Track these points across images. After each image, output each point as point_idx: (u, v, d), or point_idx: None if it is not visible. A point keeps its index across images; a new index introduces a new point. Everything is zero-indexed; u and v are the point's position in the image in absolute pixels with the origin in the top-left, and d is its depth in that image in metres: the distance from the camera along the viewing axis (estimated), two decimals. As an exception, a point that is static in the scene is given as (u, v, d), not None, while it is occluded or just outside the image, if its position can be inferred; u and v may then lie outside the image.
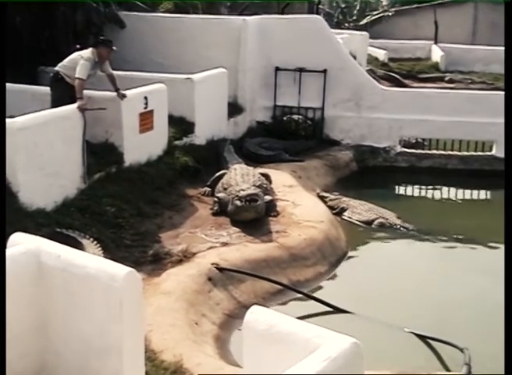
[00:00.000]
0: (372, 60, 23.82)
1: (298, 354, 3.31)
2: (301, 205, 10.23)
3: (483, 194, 13.25)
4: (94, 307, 4.05)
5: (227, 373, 5.69)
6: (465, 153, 13.94)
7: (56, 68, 9.63)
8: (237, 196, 9.29)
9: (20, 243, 4.30)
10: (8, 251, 4.17)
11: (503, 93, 13.37)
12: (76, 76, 9.07)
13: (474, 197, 13.13)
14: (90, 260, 4.16)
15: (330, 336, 3.39)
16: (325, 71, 13.77)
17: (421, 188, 13.31)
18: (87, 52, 9.41)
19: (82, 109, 8.91)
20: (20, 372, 4.16)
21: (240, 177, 10.11)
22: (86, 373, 4.19)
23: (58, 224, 7.84)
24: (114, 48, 9.67)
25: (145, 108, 10.19)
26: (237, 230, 9.06)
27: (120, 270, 3.98)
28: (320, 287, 8.46)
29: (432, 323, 7.49)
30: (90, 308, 4.07)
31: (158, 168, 10.34)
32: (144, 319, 4.34)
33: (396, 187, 13.44)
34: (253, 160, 12.30)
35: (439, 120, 13.52)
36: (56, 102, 9.22)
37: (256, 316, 3.61)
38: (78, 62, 9.23)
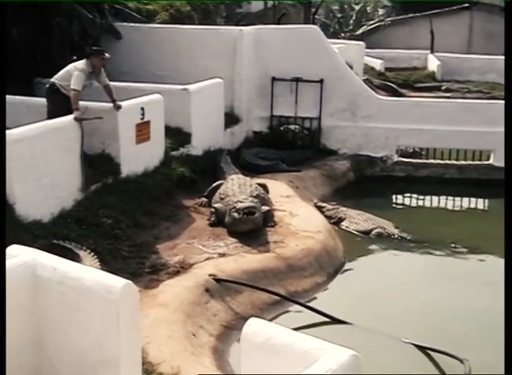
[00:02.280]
0: (369, 70, 23.87)
1: (297, 366, 3.29)
2: (298, 215, 10.21)
3: (481, 204, 13.23)
4: (91, 319, 4.02)
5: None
6: (462, 162, 13.92)
7: (52, 79, 9.63)
8: (235, 208, 9.26)
9: (16, 255, 4.28)
10: (4, 264, 4.15)
11: (499, 102, 13.46)
12: (71, 87, 9.08)
13: (472, 206, 13.10)
14: (86, 272, 4.13)
15: (329, 348, 3.36)
16: (321, 81, 13.78)
17: (418, 198, 13.28)
18: (81, 63, 9.41)
19: (79, 120, 8.90)
20: (16, 385, 4.14)
21: (237, 188, 10.09)
22: (82, 386, 4.16)
23: (54, 236, 7.80)
24: (107, 55, 9.66)
25: (142, 119, 10.18)
26: (234, 240, 9.02)
27: (117, 282, 3.96)
28: (318, 298, 8.42)
29: (431, 333, 7.45)
30: (87, 321, 4.04)
31: (154, 179, 10.30)
32: (140, 331, 4.30)
33: (394, 196, 13.44)
34: (250, 170, 12.28)
35: (436, 130, 13.52)
36: (52, 114, 9.21)
37: (254, 327, 3.59)
38: (72, 73, 9.23)
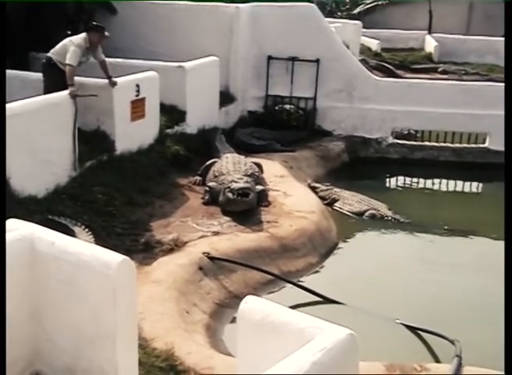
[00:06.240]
0: (365, 50, 23.74)
1: (293, 344, 3.31)
2: (292, 195, 10.22)
3: (475, 187, 13.26)
4: (88, 294, 4.04)
5: (217, 361, 5.70)
6: (458, 145, 13.88)
7: (48, 54, 9.54)
8: (229, 187, 9.24)
9: (14, 229, 4.27)
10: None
11: (496, 84, 13.43)
12: (67, 62, 9.01)
13: (466, 189, 13.13)
14: (84, 247, 4.13)
15: (325, 327, 3.38)
16: (317, 61, 13.72)
17: (412, 180, 13.29)
18: (78, 38, 9.32)
19: (73, 96, 8.85)
20: (14, 358, 4.15)
21: (231, 166, 10.07)
22: (79, 360, 4.18)
23: (49, 211, 7.80)
24: (106, 33, 9.58)
25: (137, 95, 10.13)
26: (228, 219, 9.03)
27: (114, 258, 3.96)
28: (310, 278, 8.45)
29: (422, 314, 7.50)
30: (84, 296, 4.05)
31: (149, 156, 10.28)
32: (137, 307, 4.32)
33: (388, 178, 13.45)
34: (244, 150, 12.24)
35: (432, 112, 13.47)
36: (49, 88, 9.15)
37: (251, 305, 3.60)
38: (69, 48, 9.14)
